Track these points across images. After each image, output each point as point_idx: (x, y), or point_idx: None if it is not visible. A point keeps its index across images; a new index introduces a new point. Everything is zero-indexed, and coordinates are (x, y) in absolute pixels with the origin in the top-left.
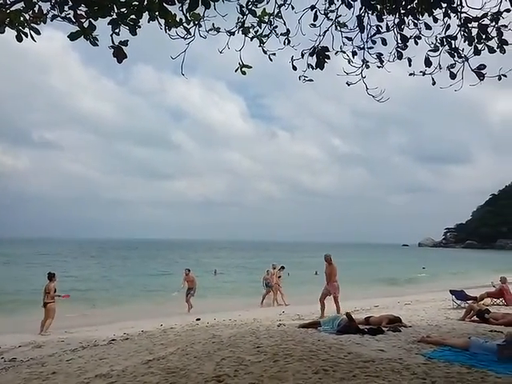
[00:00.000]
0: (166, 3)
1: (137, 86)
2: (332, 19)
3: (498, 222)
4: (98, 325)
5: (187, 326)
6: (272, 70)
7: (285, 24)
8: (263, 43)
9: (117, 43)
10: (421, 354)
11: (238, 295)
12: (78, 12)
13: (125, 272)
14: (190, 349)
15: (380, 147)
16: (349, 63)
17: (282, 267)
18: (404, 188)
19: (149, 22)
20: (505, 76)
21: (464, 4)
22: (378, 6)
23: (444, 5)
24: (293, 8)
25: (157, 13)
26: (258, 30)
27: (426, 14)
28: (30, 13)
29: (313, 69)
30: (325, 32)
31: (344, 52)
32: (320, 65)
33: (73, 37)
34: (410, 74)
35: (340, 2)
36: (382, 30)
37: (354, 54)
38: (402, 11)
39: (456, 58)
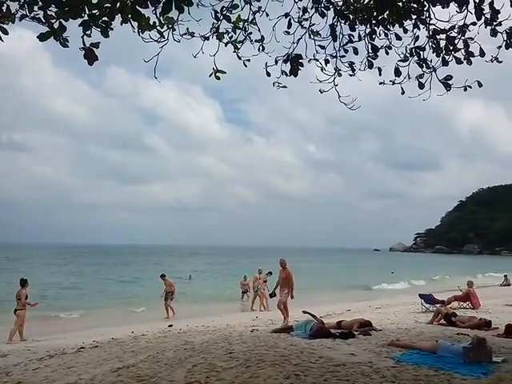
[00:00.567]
0: (139, 6)
1: (110, 88)
2: (306, 27)
3: (465, 228)
4: (67, 332)
5: (159, 333)
6: (248, 75)
7: (259, 31)
8: (238, 49)
9: (88, 45)
10: (390, 357)
11: (212, 301)
12: (48, 12)
13: (96, 278)
14: (161, 356)
15: (353, 154)
16: (322, 71)
17: (270, 272)
18: (376, 194)
19: (121, 24)
20: (470, 87)
21: (432, 16)
22: (351, 16)
23: (414, 16)
24: (267, 15)
25: (130, 15)
26: (232, 36)
27: (397, 24)
28: None
29: (287, 76)
30: (298, 40)
31: (317, 60)
32: (294, 72)
33: (42, 37)
34: (381, 83)
35: (313, 10)
36: (354, 40)
37: (327, 62)
38: (374, 21)
39: (424, 69)
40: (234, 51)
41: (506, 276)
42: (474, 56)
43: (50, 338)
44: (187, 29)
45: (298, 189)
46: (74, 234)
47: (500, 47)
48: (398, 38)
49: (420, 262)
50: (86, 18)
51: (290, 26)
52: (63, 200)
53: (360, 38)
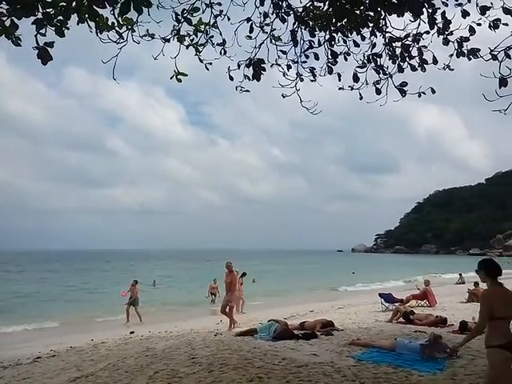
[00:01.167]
0: (96, 6)
1: (69, 88)
2: (267, 32)
3: (423, 229)
4: (23, 342)
5: (120, 340)
6: (212, 77)
7: (221, 34)
8: (199, 52)
9: (42, 44)
10: (351, 356)
11: (176, 306)
12: None
13: (55, 285)
14: (121, 363)
15: (316, 157)
16: (284, 76)
17: (244, 274)
18: (339, 196)
19: (78, 24)
20: (424, 93)
21: (388, 25)
22: (311, 22)
23: (371, 24)
24: (229, 19)
25: (86, 15)
26: (193, 39)
27: (355, 32)
28: None
29: (249, 80)
30: (260, 44)
31: (279, 65)
32: (256, 76)
33: None
34: (340, 89)
35: (274, 16)
36: (314, 45)
37: (289, 67)
38: (333, 28)
39: (381, 75)
40: (196, 54)
41: (460, 274)
42: (427, 63)
43: (3, 349)
44: (147, 30)
45: (262, 191)
46: (36, 239)
47: (452, 55)
48: (356, 44)
49: (381, 262)
50: (39, 16)
51: (251, 30)
52: (20, 205)
53: (320, 44)
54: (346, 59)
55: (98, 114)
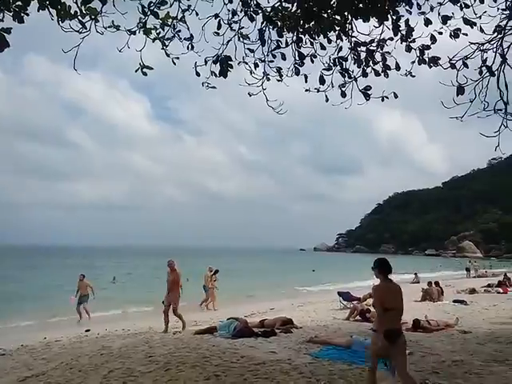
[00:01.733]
0: None
1: (28, 76)
2: (235, 30)
3: (382, 229)
4: None
5: (74, 338)
6: (180, 72)
7: (188, 29)
8: (166, 46)
9: None
10: (308, 353)
11: (135, 303)
12: None
13: (8, 282)
14: (74, 362)
15: (283, 156)
16: (251, 74)
17: (217, 271)
18: (304, 196)
19: (38, 10)
20: (387, 98)
21: (354, 29)
22: (279, 23)
23: (337, 28)
24: (197, 14)
25: (47, 2)
26: (160, 32)
27: (322, 35)
28: None
29: (216, 76)
30: (228, 41)
31: (246, 63)
32: (223, 73)
33: None
34: (306, 90)
35: (243, 14)
36: (282, 46)
37: (256, 65)
38: (300, 30)
39: (346, 78)
40: (162, 48)
41: (416, 274)
42: (390, 69)
43: None
44: (112, 21)
45: (228, 189)
46: None
47: (414, 62)
48: (323, 47)
49: (341, 261)
50: None
51: (219, 27)
52: None
53: (287, 45)
54: (312, 61)
55: (59, 105)
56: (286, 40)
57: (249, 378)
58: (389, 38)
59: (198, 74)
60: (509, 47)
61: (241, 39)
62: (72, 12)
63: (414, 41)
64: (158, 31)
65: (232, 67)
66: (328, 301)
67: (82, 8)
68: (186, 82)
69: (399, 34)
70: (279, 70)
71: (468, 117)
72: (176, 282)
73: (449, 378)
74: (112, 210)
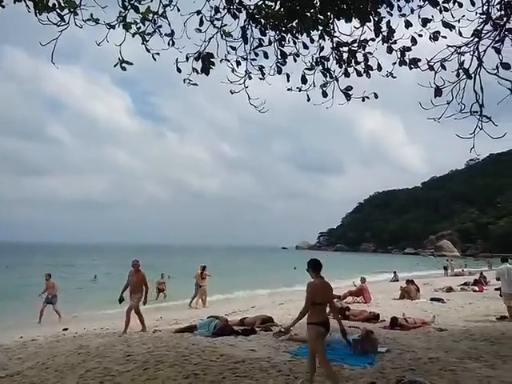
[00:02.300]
0: None
1: (5, 70)
2: (217, 27)
3: (362, 228)
4: None
5: (51, 338)
6: (162, 68)
7: (169, 25)
8: (146, 41)
9: None
10: (287, 351)
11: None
12: None
13: None
14: (51, 362)
15: (265, 154)
16: (233, 72)
17: (204, 267)
18: (286, 194)
19: (15, 2)
20: (367, 98)
21: (337, 29)
22: (262, 21)
23: (320, 28)
24: (178, 10)
25: None
26: (140, 27)
27: (305, 34)
28: None
29: (198, 73)
30: (210, 39)
31: (228, 60)
32: (205, 70)
33: None
34: (288, 89)
35: (225, 11)
36: (264, 44)
37: (238, 63)
38: (283, 28)
39: (328, 78)
40: (143, 43)
41: (395, 272)
42: (372, 70)
43: None
44: (91, 14)
45: (210, 186)
46: None
47: (394, 63)
48: (305, 46)
49: (323, 259)
50: None
51: (201, 23)
52: None
53: (270, 43)
54: (295, 60)
55: (38, 99)
56: (269, 38)
57: (228, 376)
58: (370, 39)
59: (179, 71)
60: (485, 51)
61: (223, 36)
62: (50, 4)
63: (395, 42)
64: (138, 26)
65: (214, 64)
66: None
67: (61, 0)
68: (169, 78)
69: (381, 35)
70: (261, 68)
71: (446, 118)
72: (141, 283)
73: (424, 374)
74: (93, 207)
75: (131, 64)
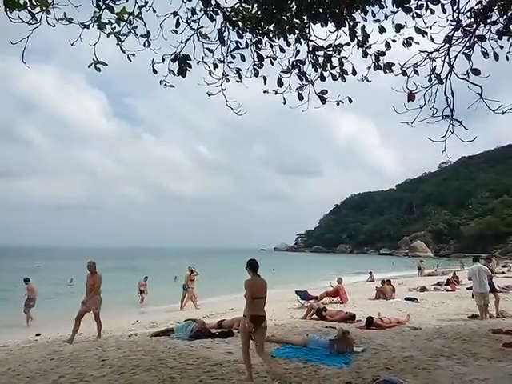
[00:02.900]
0: None
1: None
2: (194, 29)
3: (339, 230)
4: None
5: (23, 343)
6: (140, 69)
7: (145, 26)
8: (121, 41)
9: None
10: None
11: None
12: None
13: None
14: (22, 368)
15: (243, 157)
16: (210, 74)
17: (191, 269)
18: (264, 196)
19: None
20: (342, 102)
21: (313, 33)
22: (239, 23)
23: (296, 31)
24: (154, 11)
25: None
26: (115, 28)
27: (282, 37)
28: None
29: (174, 75)
30: (187, 40)
31: (205, 63)
32: (182, 72)
33: None
34: (265, 92)
35: (202, 13)
36: (241, 47)
37: (215, 66)
38: (260, 31)
39: (304, 82)
40: (118, 43)
41: (371, 273)
42: (347, 74)
43: None
44: (64, 13)
45: (188, 189)
46: None
47: (369, 68)
48: (282, 50)
49: (300, 261)
50: None
51: (178, 25)
52: None
53: (247, 46)
54: (272, 63)
55: (8, 99)
56: (246, 41)
57: (204, 379)
58: (346, 44)
59: (154, 72)
60: (456, 57)
61: (200, 38)
62: (21, 2)
63: (369, 47)
64: (113, 26)
65: (191, 66)
66: (286, 300)
67: None
68: (145, 79)
69: (356, 39)
70: (238, 70)
71: (418, 122)
72: (96, 286)
73: (399, 373)
74: (66, 210)
75: (106, 65)
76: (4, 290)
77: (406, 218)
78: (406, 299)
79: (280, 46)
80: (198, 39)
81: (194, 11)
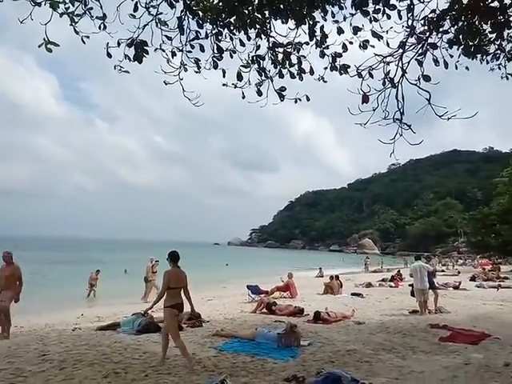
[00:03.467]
0: None
1: None
2: (153, 15)
3: (292, 226)
4: None
5: None
6: (95, 52)
7: (101, 8)
8: (75, 22)
9: None
10: (213, 347)
11: (34, 299)
12: None
13: None
14: None
15: (200, 149)
16: (167, 63)
17: (157, 261)
18: (220, 190)
19: None
20: (300, 100)
21: (273, 30)
22: (200, 13)
23: (258, 26)
24: None
25: None
26: (69, 7)
27: (242, 31)
28: None
29: (130, 61)
30: (144, 26)
31: (163, 50)
32: (138, 58)
33: None
34: (223, 85)
35: None
36: (201, 37)
37: (174, 54)
38: (221, 23)
39: (263, 77)
40: (71, 24)
41: (320, 268)
42: (305, 73)
43: None
44: None
45: (141, 179)
46: None
47: (326, 68)
48: (242, 44)
49: (254, 255)
50: None
51: (136, 9)
52: None
53: (207, 37)
54: (231, 56)
55: None
56: (206, 32)
57: (150, 374)
58: (305, 43)
59: (109, 56)
60: (409, 62)
61: (158, 25)
62: None
63: (327, 47)
64: (66, 6)
65: (148, 53)
66: (237, 294)
67: None
68: (101, 63)
69: (314, 39)
70: (197, 61)
71: (371, 124)
72: (15, 278)
73: (342, 366)
74: (11, 197)
75: (58, 46)
76: None
77: (356, 216)
78: (353, 294)
79: (240, 40)
80: (157, 26)
81: None
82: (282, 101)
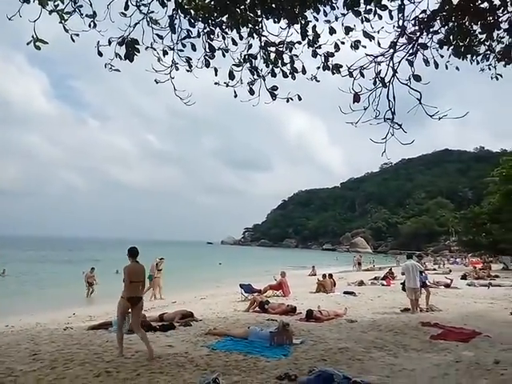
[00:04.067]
0: None
1: None
2: (144, 13)
3: (285, 225)
4: None
5: None
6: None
7: (91, 5)
8: (64, 20)
9: None
10: (206, 345)
11: (25, 298)
12: None
13: None
14: None
15: (193, 148)
16: (158, 61)
17: (162, 259)
18: (213, 189)
19: None
20: (291, 99)
21: (265, 29)
22: (191, 12)
23: (250, 25)
24: None
25: None
26: (58, 5)
27: (235, 30)
28: None
29: (121, 59)
30: (135, 24)
31: (154, 49)
32: (129, 56)
33: None
34: (215, 83)
35: None
36: (193, 36)
37: (165, 53)
38: (213, 22)
39: (255, 76)
40: (60, 22)
41: (313, 267)
42: (297, 72)
43: None
44: None
45: (134, 178)
46: None
47: (319, 68)
48: (234, 42)
49: (247, 254)
50: None
51: (127, 7)
52: None
53: (199, 35)
54: (223, 55)
55: None
56: (198, 30)
57: (142, 373)
58: (297, 42)
59: (100, 54)
60: (399, 62)
61: (150, 24)
62: None
63: (319, 47)
64: (56, 3)
65: (139, 51)
66: (230, 293)
67: None
68: (92, 61)
69: (307, 38)
70: (189, 60)
71: (362, 123)
72: None
73: (334, 364)
74: (2, 195)
75: (46, 43)
76: None
77: (349, 215)
78: (345, 293)
79: (232, 39)
80: (148, 24)
81: None
82: (274, 100)
